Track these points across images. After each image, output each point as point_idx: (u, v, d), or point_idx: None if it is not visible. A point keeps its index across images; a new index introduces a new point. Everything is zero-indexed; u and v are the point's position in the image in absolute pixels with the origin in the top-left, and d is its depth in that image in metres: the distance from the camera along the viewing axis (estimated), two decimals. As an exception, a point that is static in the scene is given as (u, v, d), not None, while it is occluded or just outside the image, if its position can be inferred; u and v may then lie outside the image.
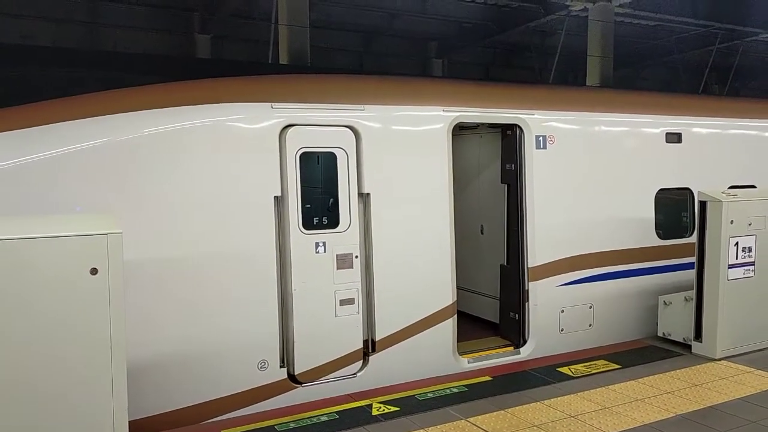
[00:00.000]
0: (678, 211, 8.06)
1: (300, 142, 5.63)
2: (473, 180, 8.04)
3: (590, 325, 7.11)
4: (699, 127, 8.13)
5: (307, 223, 5.63)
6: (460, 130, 7.96)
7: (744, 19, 19.63)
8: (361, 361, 5.82)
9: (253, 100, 5.61)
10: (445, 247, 6.27)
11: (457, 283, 8.00)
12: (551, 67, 18.18)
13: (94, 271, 3.80)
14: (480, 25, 19.75)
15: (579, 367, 6.23)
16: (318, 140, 5.74)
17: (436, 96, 6.59)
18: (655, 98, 8.67)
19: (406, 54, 21.21)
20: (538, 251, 6.83)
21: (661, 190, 7.68)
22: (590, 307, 7.12)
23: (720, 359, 6.38)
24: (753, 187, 8.22)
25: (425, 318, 6.12)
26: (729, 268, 6.44)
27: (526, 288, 6.81)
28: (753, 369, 6.09)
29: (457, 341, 6.52)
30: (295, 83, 6.22)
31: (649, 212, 7.58)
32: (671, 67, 23.62)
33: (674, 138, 7.82)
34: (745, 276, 6.55)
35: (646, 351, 6.78)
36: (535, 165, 6.85)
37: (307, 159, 5.67)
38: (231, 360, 5.21)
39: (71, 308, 3.77)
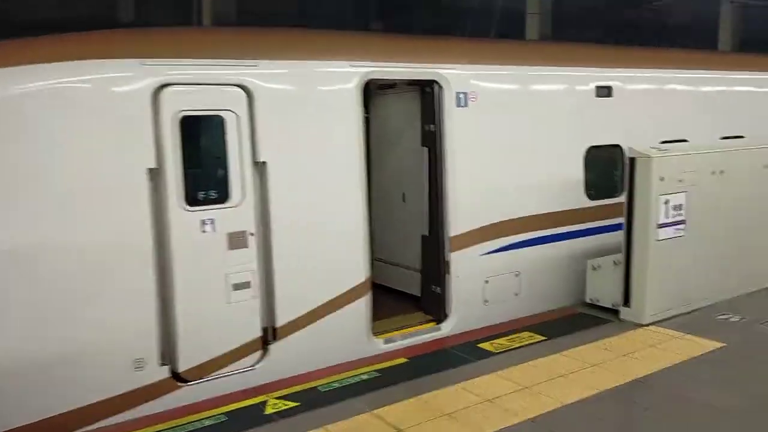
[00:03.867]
0: (609, 170, 7.65)
1: (179, 104, 4.87)
2: (395, 143, 7.42)
3: (517, 295, 6.68)
4: (630, 80, 7.69)
5: (191, 199, 4.92)
6: (379, 88, 7.34)
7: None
8: (261, 351, 5.21)
9: (119, 55, 4.80)
10: (357, 219, 5.66)
11: (379, 256, 7.44)
12: (490, 28, 17.56)
13: None
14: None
15: (502, 341, 5.80)
16: (202, 101, 5.00)
17: (344, 50, 5.89)
18: (584, 50, 8.17)
19: (346, 19, 20.24)
20: (460, 219, 6.30)
21: (591, 147, 7.24)
22: (517, 276, 6.67)
23: (649, 324, 6.05)
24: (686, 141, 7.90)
25: (335, 298, 5.53)
26: (658, 227, 6.06)
27: (447, 259, 6.30)
28: (682, 334, 5.78)
29: (378, 319, 6.01)
30: (174, 36, 5.41)
31: (579, 172, 7.14)
32: (612, 27, 23.41)
33: (604, 92, 7.35)
34: (675, 235, 6.20)
35: (574, 319, 6.41)
36: (456, 125, 6.27)
37: (189, 124, 4.92)
38: (98, 361, 4.50)
39: None
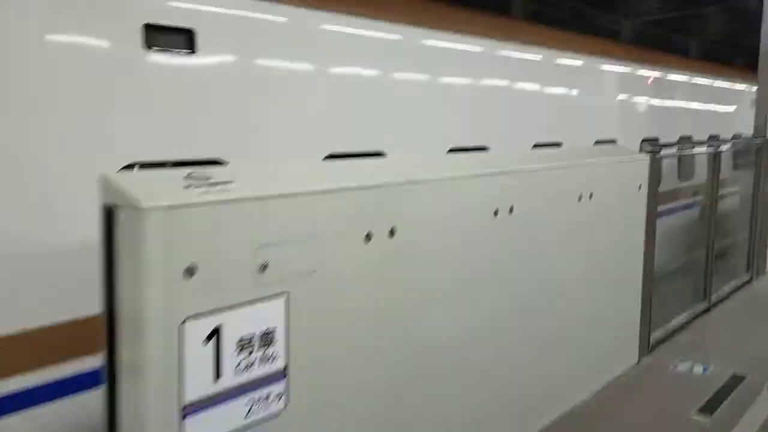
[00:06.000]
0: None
1: None
2: None
3: None
4: (246, 21, 3.77)
5: None
6: None
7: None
8: None
9: None
10: None
11: None
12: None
13: None
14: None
15: None
16: None
17: None
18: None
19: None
20: None
21: (141, 165, 3.14)
22: None
23: None
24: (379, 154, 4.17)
25: None
26: (183, 414, 2.04)
27: None
28: None
29: None
30: None
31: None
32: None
33: (174, 40, 3.28)
34: (254, 419, 2.22)
35: None
36: None
37: None
38: None
39: None
